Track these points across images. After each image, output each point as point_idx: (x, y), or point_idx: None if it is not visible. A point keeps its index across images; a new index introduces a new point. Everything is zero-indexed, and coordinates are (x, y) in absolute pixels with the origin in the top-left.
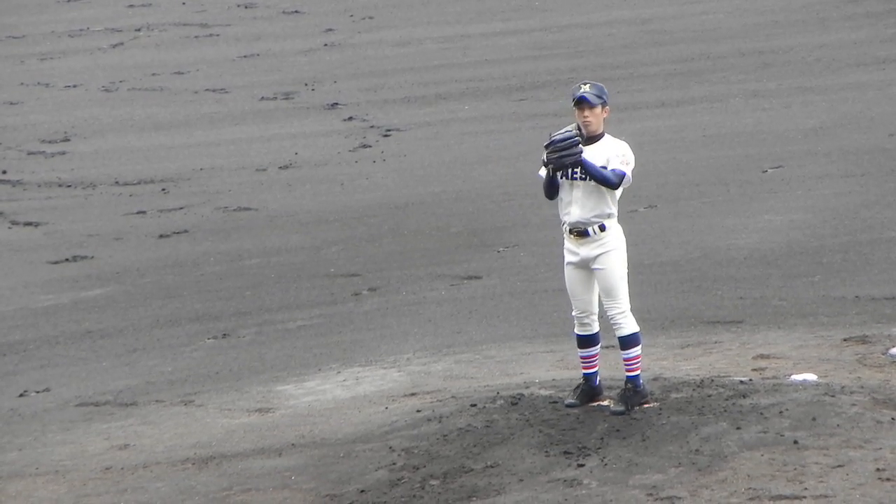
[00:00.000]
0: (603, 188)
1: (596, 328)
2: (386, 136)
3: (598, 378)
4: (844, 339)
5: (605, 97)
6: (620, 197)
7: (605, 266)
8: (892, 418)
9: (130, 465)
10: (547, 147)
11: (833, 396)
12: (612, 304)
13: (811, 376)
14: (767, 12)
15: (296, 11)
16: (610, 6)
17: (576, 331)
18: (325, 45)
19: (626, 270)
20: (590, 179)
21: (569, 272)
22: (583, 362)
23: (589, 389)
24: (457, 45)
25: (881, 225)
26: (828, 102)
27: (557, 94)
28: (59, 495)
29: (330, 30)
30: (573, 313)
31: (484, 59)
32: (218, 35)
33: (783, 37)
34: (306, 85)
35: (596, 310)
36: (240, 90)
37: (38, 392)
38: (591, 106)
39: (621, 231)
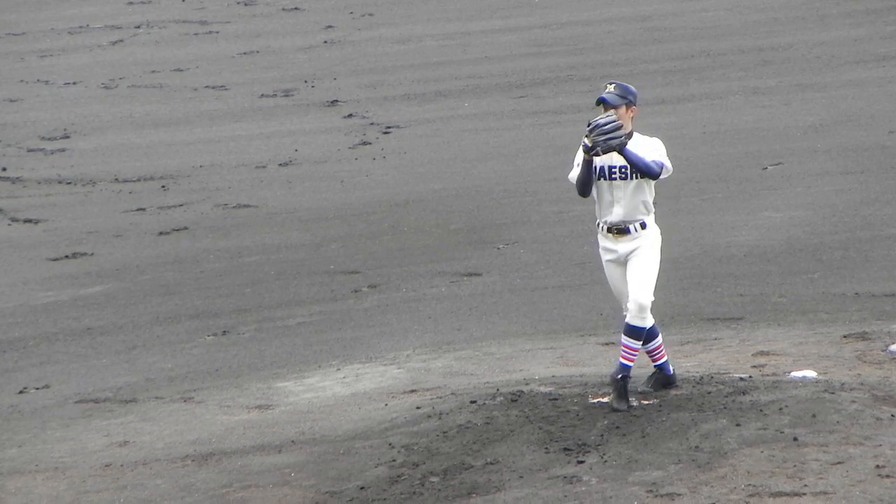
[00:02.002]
0: (644, 185)
1: (651, 320)
2: (386, 133)
3: (671, 367)
4: (844, 336)
5: (630, 97)
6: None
7: (639, 255)
8: (892, 415)
9: (130, 462)
10: (591, 131)
11: (833, 393)
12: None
13: (811, 373)
14: (767, 9)
15: (295, 8)
16: (610, 3)
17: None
18: (325, 42)
19: (658, 267)
20: (631, 177)
21: (609, 270)
22: (650, 356)
23: (664, 378)
24: (457, 43)
25: (881, 222)
26: (828, 99)
27: (557, 91)
28: (59, 492)
29: (330, 27)
30: (624, 313)
31: (484, 57)
32: (217, 32)
33: (783, 34)
34: (306, 82)
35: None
36: (239, 87)
37: (37, 389)
38: (614, 107)
39: (658, 230)
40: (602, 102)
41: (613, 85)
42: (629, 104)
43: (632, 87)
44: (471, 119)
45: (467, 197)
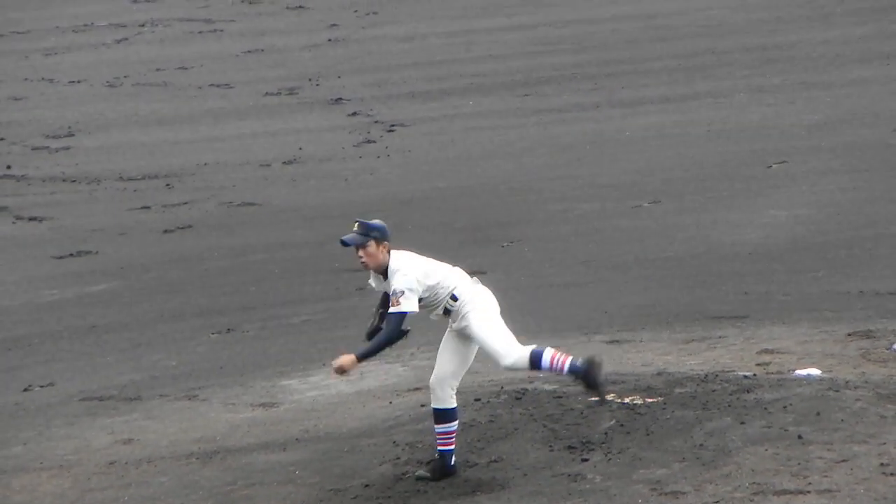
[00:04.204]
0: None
1: (453, 403)
2: (390, 131)
3: (453, 458)
4: (848, 334)
5: (375, 233)
6: (621, 194)
7: (469, 325)
8: None
9: (134, 460)
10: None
11: (837, 391)
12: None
13: (815, 371)
14: (772, 8)
15: (300, 6)
16: (614, 1)
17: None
18: (330, 40)
19: (497, 318)
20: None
21: (445, 335)
22: (438, 439)
23: (441, 467)
24: (461, 41)
25: (885, 220)
26: (832, 98)
27: (562, 89)
28: (64, 489)
29: (334, 25)
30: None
31: (488, 55)
32: (222, 30)
33: (787, 32)
34: (310, 80)
35: (455, 382)
36: (244, 85)
37: (42, 386)
38: (359, 246)
39: (477, 291)
40: (344, 244)
41: (357, 223)
42: (377, 240)
43: (377, 223)
44: (475, 117)
45: (472, 195)
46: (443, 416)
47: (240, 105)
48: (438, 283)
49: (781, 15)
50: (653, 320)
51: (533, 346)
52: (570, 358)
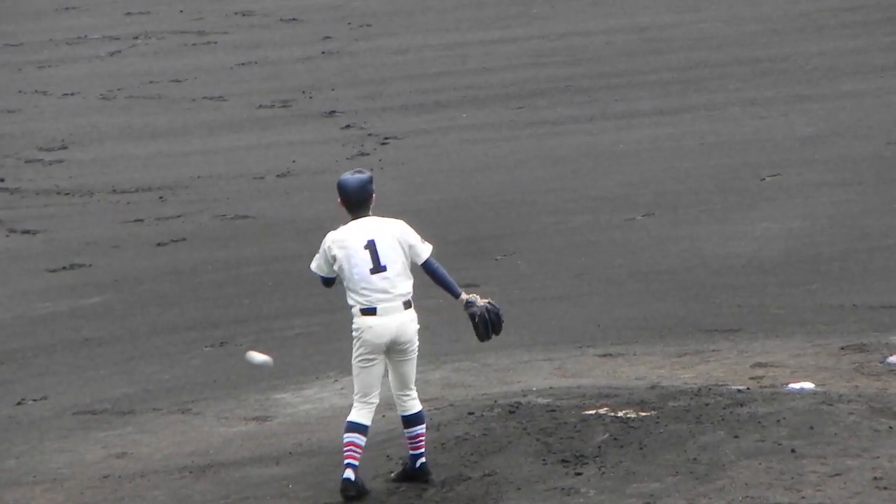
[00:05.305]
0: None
1: (415, 408)
2: (384, 144)
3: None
4: (842, 348)
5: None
6: (615, 207)
7: None
8: (890, 427)
9: (128, 474)
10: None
11: (830, 405)
12: None
13: (809, 385)
14: (765, 20)
15: (294, 19)
16: (608, 14)
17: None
18: (323, 52)
19: (355, 362)
20: None
21: None
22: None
23: (411, 471)
24: (455, 53)
25: (879, 233)
26: (825, 110)
27: (555, 101)
28: (57, 503)
29: (328, 37)
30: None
31: (482, 67)
32: (216, 43)
33: (781, 45)
34: (304, 93)
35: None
36: (237, 98)
37: (35, 400)
38: None
39: (360, 327)
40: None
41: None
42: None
43: (341, 179)
44: (469, 130)
45: (465, 208)
46: (411, 420)
47: (233, 117)
48: (340, 267)
49: (775, 28)
50: (646, 333)
51: (352, 418)
52: (350, 460)
